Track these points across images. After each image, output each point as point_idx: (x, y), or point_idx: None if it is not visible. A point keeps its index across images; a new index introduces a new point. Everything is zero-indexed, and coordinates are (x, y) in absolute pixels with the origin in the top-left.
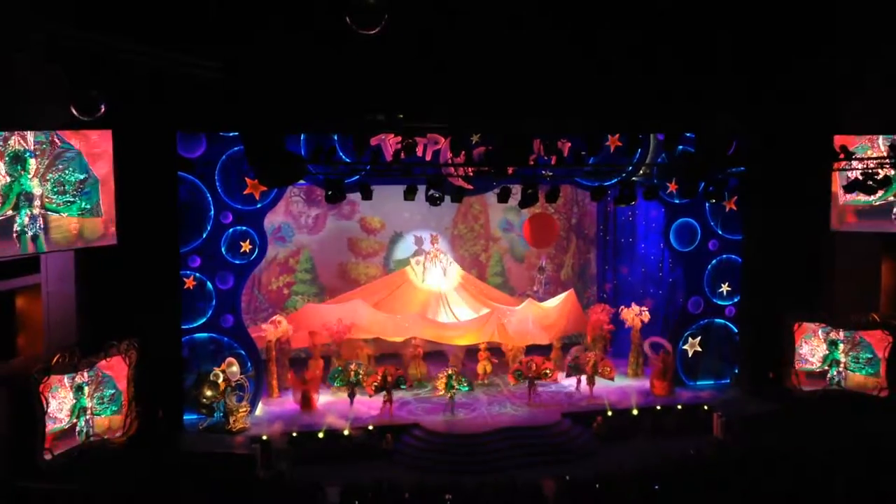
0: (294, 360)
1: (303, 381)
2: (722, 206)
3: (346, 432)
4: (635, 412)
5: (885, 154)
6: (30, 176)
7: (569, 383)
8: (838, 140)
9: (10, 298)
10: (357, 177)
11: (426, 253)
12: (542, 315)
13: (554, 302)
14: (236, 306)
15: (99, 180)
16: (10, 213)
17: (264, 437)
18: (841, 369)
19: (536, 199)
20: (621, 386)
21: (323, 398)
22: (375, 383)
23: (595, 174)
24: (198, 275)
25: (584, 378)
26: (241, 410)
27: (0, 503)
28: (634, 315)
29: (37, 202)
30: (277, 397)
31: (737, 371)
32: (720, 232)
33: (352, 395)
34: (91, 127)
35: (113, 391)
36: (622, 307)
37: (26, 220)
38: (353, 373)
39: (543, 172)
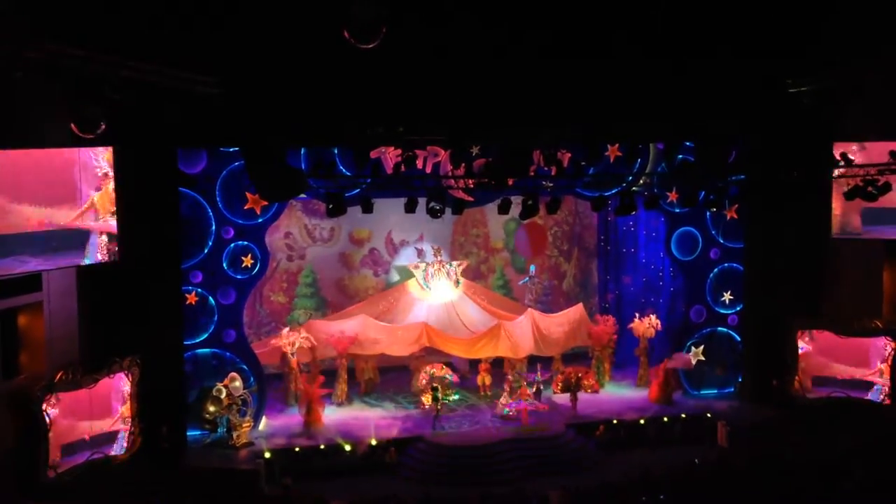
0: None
1: (308, 394)
2: (723, 214)
3: (347, 447)
4: (642, 422)
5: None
6: None
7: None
8: (837, 147)
9: (12, 316)
10: (358, 190)
11: (429, 265)
12: (547, 327)
13: (561, 315)
14: (239, 321)
15: None
16: None
17: (267, 455)
18: None
19: (537, 211)
20: (619, 396)
21: (333, 412)
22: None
23: (595, 184)
24: (199, 290)
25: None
26: (244, 425)
27: None
28: (647, 327)
29: None
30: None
31: (741, 379)
32: (721, 240)
33: (439, 410)
34: (92, 144)
35: None
36: (636, 317)
37: None
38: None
39: (544, 183)
